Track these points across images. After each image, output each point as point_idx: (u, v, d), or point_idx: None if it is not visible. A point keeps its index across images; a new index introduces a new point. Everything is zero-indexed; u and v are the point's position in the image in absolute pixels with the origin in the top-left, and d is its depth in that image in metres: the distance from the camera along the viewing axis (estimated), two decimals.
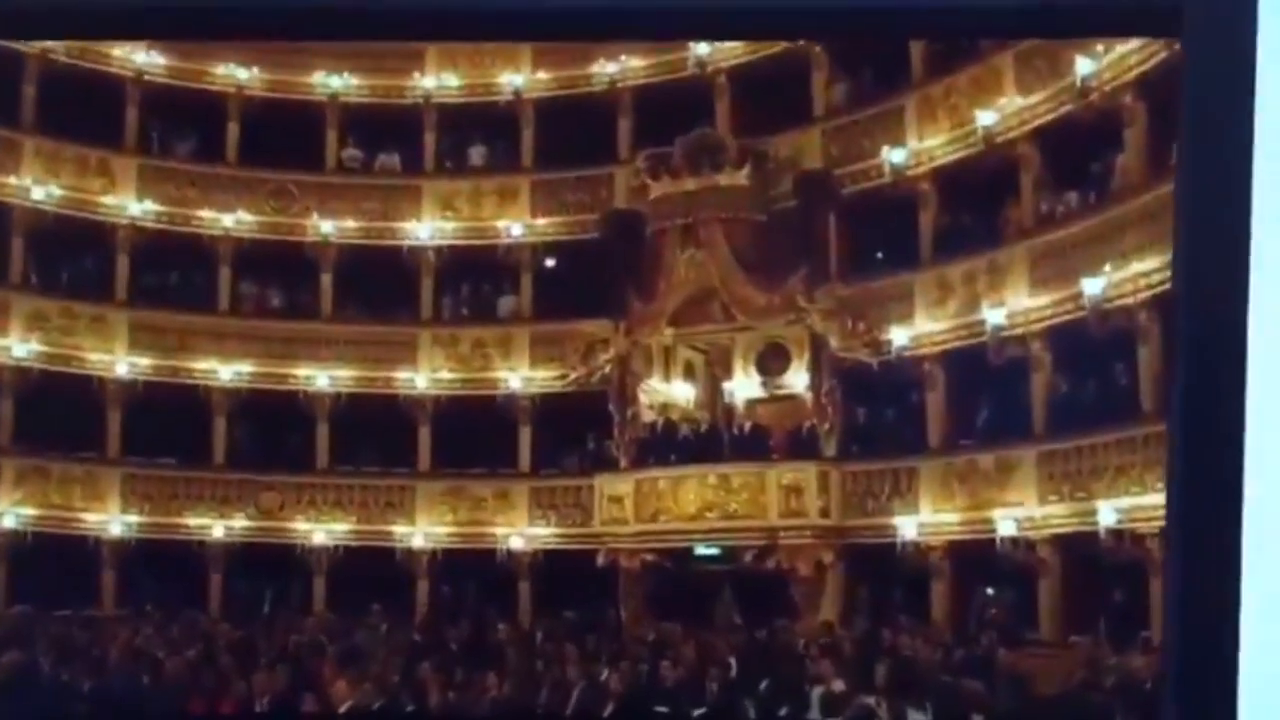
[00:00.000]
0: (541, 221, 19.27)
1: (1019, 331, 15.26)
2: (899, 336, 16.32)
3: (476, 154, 19.94)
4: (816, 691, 11.89)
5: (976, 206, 16.33)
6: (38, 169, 18.62)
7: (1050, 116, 15.08)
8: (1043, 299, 15.04)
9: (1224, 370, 3.14)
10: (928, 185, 16.60)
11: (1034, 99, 15.20)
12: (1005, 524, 14.86)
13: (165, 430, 18.44)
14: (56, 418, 17.89)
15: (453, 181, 19.76)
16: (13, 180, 18.39)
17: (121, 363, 18.64)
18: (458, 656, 13.74)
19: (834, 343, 16.72)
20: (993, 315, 15.41)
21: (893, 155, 16.72)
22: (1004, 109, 15.56)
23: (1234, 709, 3.44)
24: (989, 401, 15.75)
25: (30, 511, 17.73)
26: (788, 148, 17.75)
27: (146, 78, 19.25)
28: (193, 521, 18.37)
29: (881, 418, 16.77)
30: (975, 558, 15.25)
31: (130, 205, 19.12)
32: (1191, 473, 3.10)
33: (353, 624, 15.99)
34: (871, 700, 11.61)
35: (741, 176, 17.59)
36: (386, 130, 19.93)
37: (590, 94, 19.33)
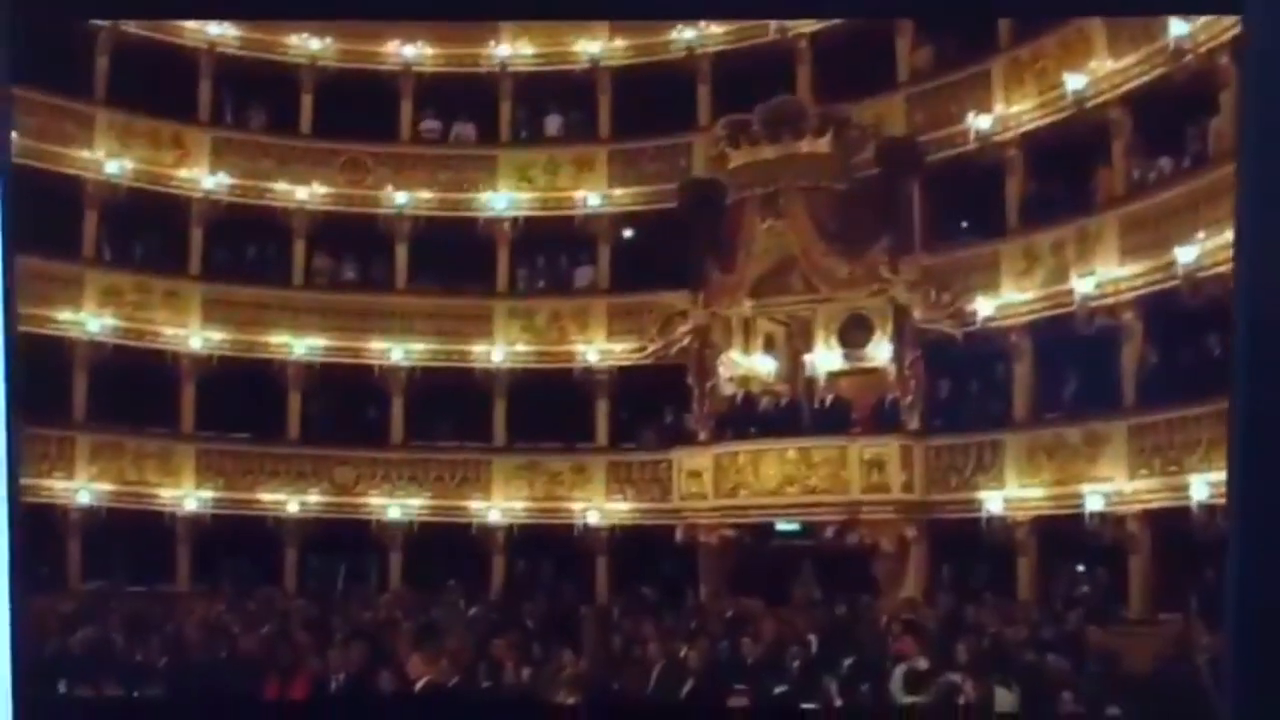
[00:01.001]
0: (619, 192, 19.33)
1: (1109, 301, 15.08)
2: (984, 307, 16.19)
3: (553, 123, 20.00)
4: (900, 669, 11.85)
5: (1065, 173, 16.14)
6: (111, 142, 18.89)
7: (1142, 80, 14.83)
8: (1134, 268, 14.85)
9: None
10: (1015, 152, 16.44)
11: (1125, 62, 14.97)
12: (1094, 499, 14.72)
13: (239, 405, 18.69)
14: (131, 393, 18.18)
15: (529, 151, 19.86)
16: (86, 154, 18.68)
17: (195, 337, 18.92)
18: (534, 633, 13.83)
19: (917, 314, 16.64)
20: (1081, 285, 15.24)
21: (979, 121, 16.57)
22: (1094, 73, 15.34)
23: None
24: (1077, 373, 15.59)
25: (106, 487, 18.08)
26: (870, 114, 17.66)
27: (219, 49, 19.43)
28: (267, 497, 18.65)
29: (966, 390, 16.63)
30: (1062, 534, 15.14)
31: (204, 179, 19.35)
32: (1252, 452, 3.11)
33: (428, 600, 16.16)
34: (956, 678, 11.56)
35: (823, 144, 17.51)
36: (461, 100, 20.04)
37: (668, 61, 19.32)
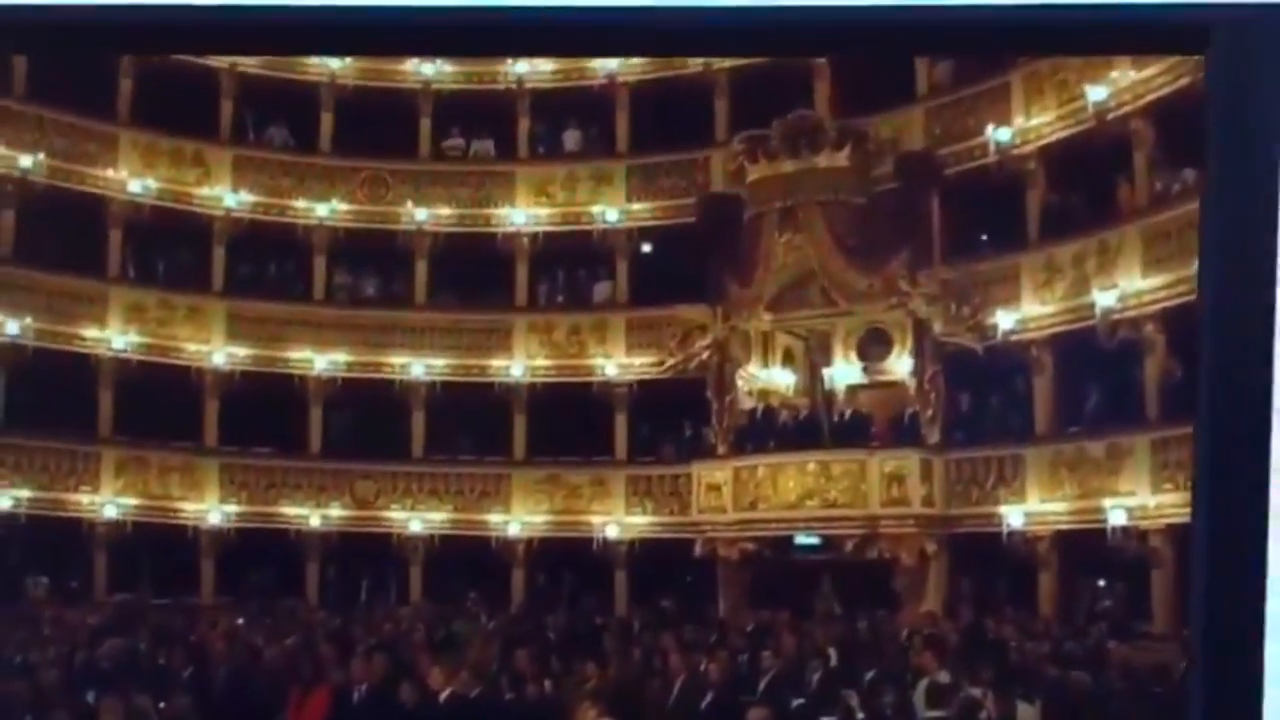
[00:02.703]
0: (637, 206, 19.40)
1: (1131, 314, 15.11)
2: (1005, 320, 16.24)
3: (571, 139, 20.08)
4: (922, 683, 11.89)
5: (1086, 185, 16.17)
6: (134, 162, 19.10)
7: (1166, 90, 14.84)
8: (1156, 280, 14.87)
9: (1249, 373, 3.22)
10: (1035, 164, 16.49)
11: (1149, 72, 14.98)
12: (1116, 513, 14.74)
13: (262, 420, 18.84)
14: (155, 408, 18.35)
15: (547, 167, 19.94)
16: (110, 174, 18.90)
17: (218, 353, 19.07)
18: (555, 645, 13.91)
19: (937, 327, 16.68)
20: (1103, 298, 15.27)
21: (998, 134, 16.63)
22: (1116, 84, 15.37)
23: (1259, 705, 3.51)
24: (1099, 387, 15.61)
25: (130, 501, 18.26)
26: (889, 128, 17.71)
27: (240, 69, 19.58)
28: (289, 511, 18.78)
29: (986, 404, 16.66)
30: (1084, 548, 15.15)
31: (226, 196, 19.53)
32: (1217, 474, 3.19)
33: (449, 612, 16.24)
34: (977, 693, 11.59)
35: (841, 158, 17.56)
36: (479, 116, 20.14)
37: (685, 76, 19.37)
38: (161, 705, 11.25)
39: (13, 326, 17.73)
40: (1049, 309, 16.06)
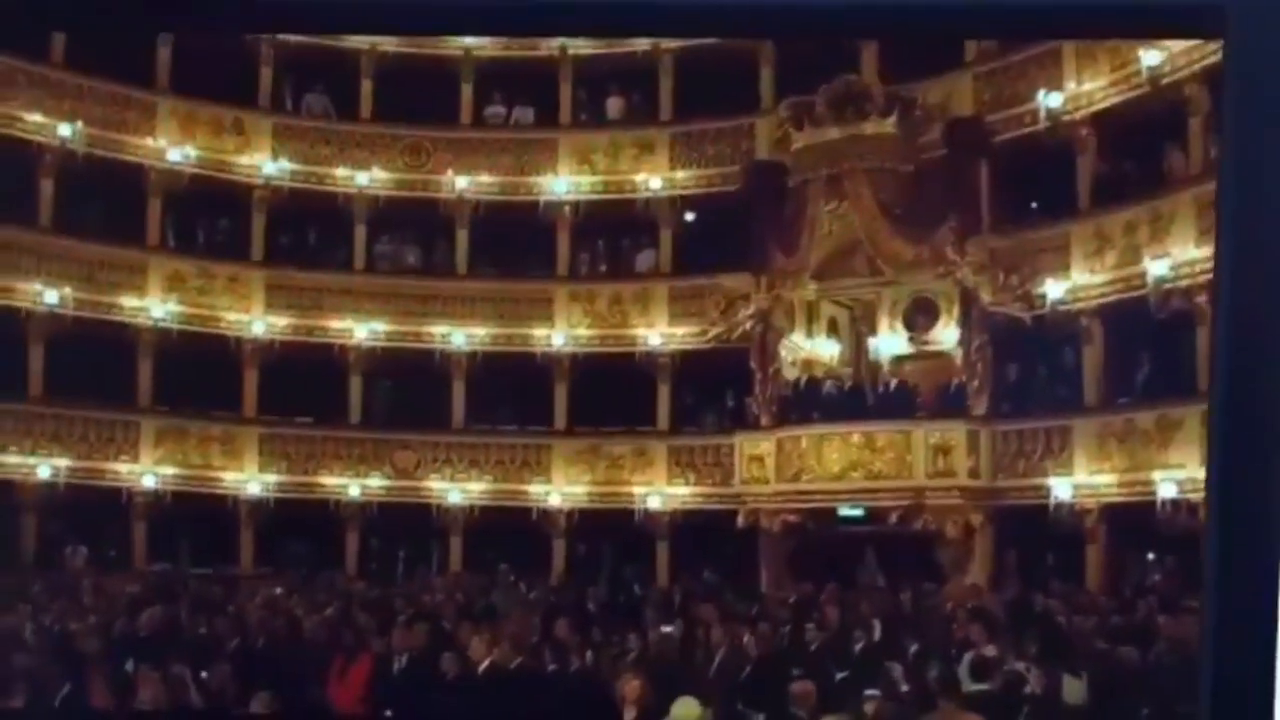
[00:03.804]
0: (681, 174, 19.39)
1: (1184, 284, 14.98)
2: (1054, 290, 16.17)
3: (614, 106, 20.07)
4: (967, 656, 11.88)
5: (1138, 152, 16.03)
6: (174, 130, 19.23)
7: (1221, 55, 14.64)
8: (1209, 249, 14.68)
9: (1265, 354, 3.21)
10: (1086, 130, 16.38)
11: None
12: (1166, 486, 14.66)
13: (301, 390, 18.97)
14: (194, 378, 18.55)
15: (590, 135, 19.94)
16: (149, 142, 19.03)
17: (258, 322, 19.23)
18: (595, 617, 13.98)
19: (985, 297, 16.62)
20: (1155, 267, 15.16)
21: (1049, 100, 16.50)
22: (1170, 48, 15.21)
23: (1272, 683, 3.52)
24: (1150, 357, 15.52)
25: (169, 471, 18.46)
26: (937, 94, 17.61)
27: (280, 36, 19.66)
28: (329, 481, 18.94)
29: (1034, 375, 16.61)
30: (1133, 521, 15.08)
31: (265, 165, 19.64)
32: (1231, 453, 3.19)
33: (489, 583, 16.35)
34: (1022, 666, 11.58)
35: (888, 125, 17.49)
36: (521, 83, 20.15)
37: (730, 42, 19.30)
38: (202, 675, 11.37)
39: (52, 296, 17.93)
40: (1099, 278, 15.97)
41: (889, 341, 17.56)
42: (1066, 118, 16.46)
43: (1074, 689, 11.54)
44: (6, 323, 17.60)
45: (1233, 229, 3.23)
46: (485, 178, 19.79)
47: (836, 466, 16.97)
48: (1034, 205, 17.31)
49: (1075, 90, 16.40)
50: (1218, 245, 3.34)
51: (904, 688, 11.38)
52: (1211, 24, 3.30)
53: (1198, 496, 14.43)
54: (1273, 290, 3.19)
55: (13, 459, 17.56)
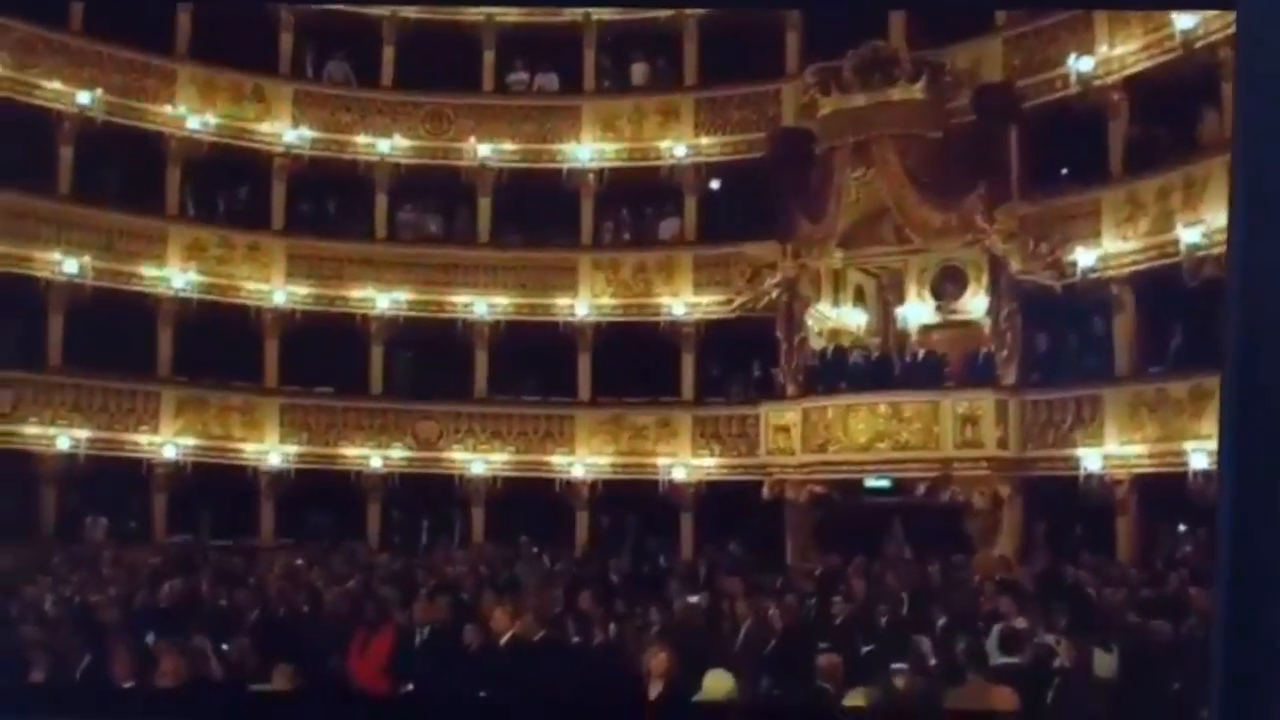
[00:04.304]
0: (706, 141, 19.34)
1: (1216, 251, 14.80)
2: (1084, 257, 16.02)
3: (638, 72, 20.01)
4: (996, 629, 11.80)
5: (1172, 117, 15.85)
6: (193, 98, 19.21)
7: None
8: None
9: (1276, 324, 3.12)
10: (1118, 95, 16.22)
11: None
12: (1198, 457, 14.52)
13: (323, 360, 19.03)
14: (215, 348, 18.58)
15: (613, 101, 19.90)
16: (168, 110, 19.02)
17: (279, 292, 19.25)
18: (619, 589, 13.95)
19: (1014, 265, 16.50)
20: (1188, 234, 14.99)
21: (1080, 64, 16.35)
22: (1204, 11, 15.02)
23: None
24: (1183, 326, 15.37)
25: (190, 442, 18.48)
26: (966, 59, 17.47)
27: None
28: (350, 452, 18.96)
29: (1064, 344, 16.50)
30: (1164, 492, 14.97)
31: (286, 132, 19.63)
32: (1244, 422, 3.11)
33: (512, 555, 16.35)
34: (1052, 639, 11.49)
35: (916, 90, 17.37)
36: (544, 49, 20.09)
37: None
38: (222, 647, 11.37)
39: (72, 265, 17.95)
40: (1131, 246, 15.84)
41: (916, 310, 17.50)
42: (1098, 82, 16.31)
43: (1105, 662, 11.45)
44: (26, 292, 17.63)
45: (1245, 198, 3.15)
46: (508, 145, 19.77)
47: (863, 437, 16.90)
48: (1064, 171, 17.15)
49: (1107, 54, 16.25)
50: (1231, 214, 3.26)
51: (932, 661, 11.29)
52: None
53: None
54: None
55: (33, 430, 17.62)
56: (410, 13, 19.88)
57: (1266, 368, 2.95)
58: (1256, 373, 2.92)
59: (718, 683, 9.84)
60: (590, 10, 19.66)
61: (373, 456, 18.89)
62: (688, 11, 19.31)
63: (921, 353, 17.27)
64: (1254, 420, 2.99)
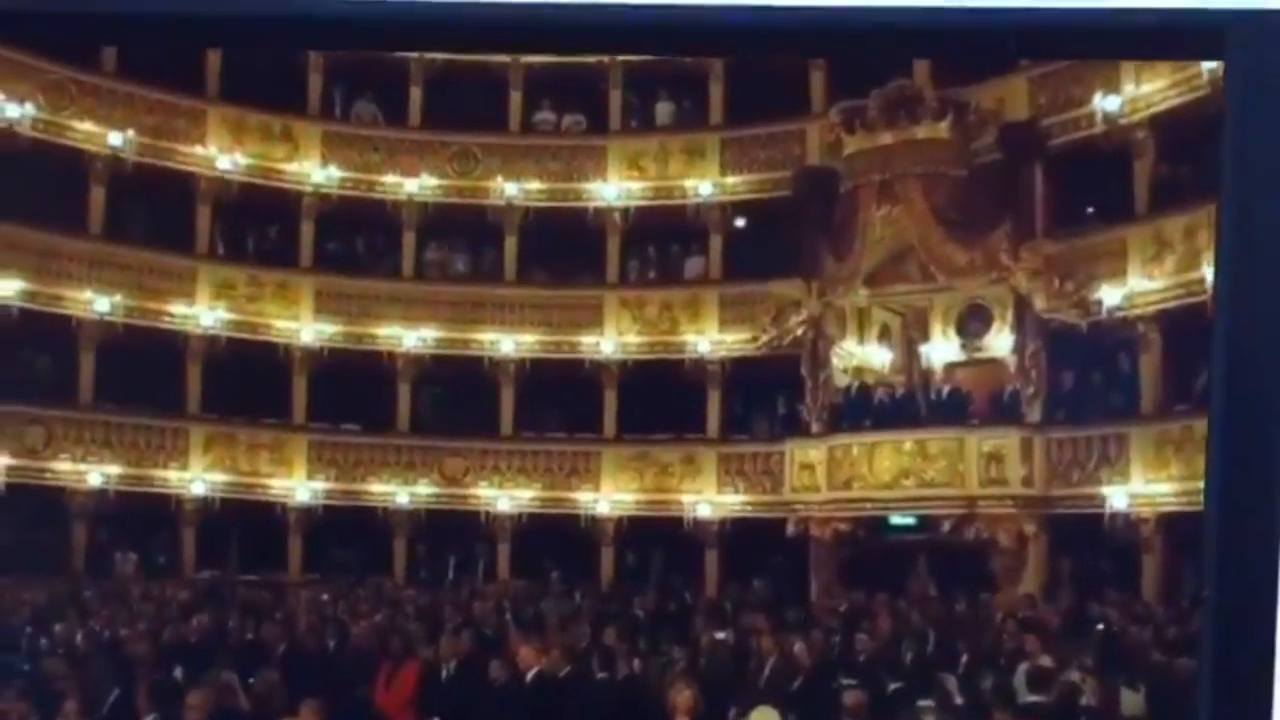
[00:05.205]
0: (731, 180, 19.43)
1: None
2: (1110, 296, 16.07)
3: (663, 111, 20.12)
4: (1023, 667, 11.85)
5: (1198, 155, 15.88)
6: (223, 138, 19.44)
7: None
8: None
9: (1262, 374, 3.24)
10: (1144, 133, 16.26)
11: None
12: None
13: (350, 397, 19.17)
14: (243, 385, 18.74)
15: (639, 140, 20.01)
16: (199, 150, 19.25)
17: (307, 330, 19.40)
18: (644, 625, 14.01)
19: (1039, 303, 16.54)
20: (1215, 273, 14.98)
21: (1106, 102, 16.41)
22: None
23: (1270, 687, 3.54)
24: (1209, 365, 15.33)
25: (219, 478, 18.65)
26: (991, 98, 17.53)
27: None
28: (377, 488, 19.10)
29: (1089, 382, 16.51)
30: (1190, 531, 14.96)
31: (314, 172, 19.82)
32: (1230, 464, 3.22)
33: (538, 591, 16.42)
34: (1077, 677, 11.53)
35: (941, 129, 17.45)
36: (570, 89, 20.23)
37: None
38: (250, 681, 11.48)
39: (103, 304, 18.16)
40: (1157, 284, 15.86)
41: (941, 348, 17.53)
42: (1124, 120, 16.34)
43: (1131, 701, 11.48)
44: (58, 330, 17.86)
45: (1232, 247, 3.29)
46: (534, 184, 19.88)
47: (888, 474, 16.94)
48: (1090, 210, 17.19)
49: (1133, 93, 16.28)
50: (1217, 263, 3.40)
51: (958, 699, 11.34)
52: (1211, 47, 3.35)
53: None
54: (1270, 307, 3.22)
55: (64, 465, 17.81)
56: (438, 54, 20.09)
57: (1251, 405, 3.06)
58: (1242, 410, 3.04)
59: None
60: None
61: (399, 492, 19.00)
62: None
63: (946, 390, 17.31)
64: (1238, 462, 3.10)
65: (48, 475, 17.65)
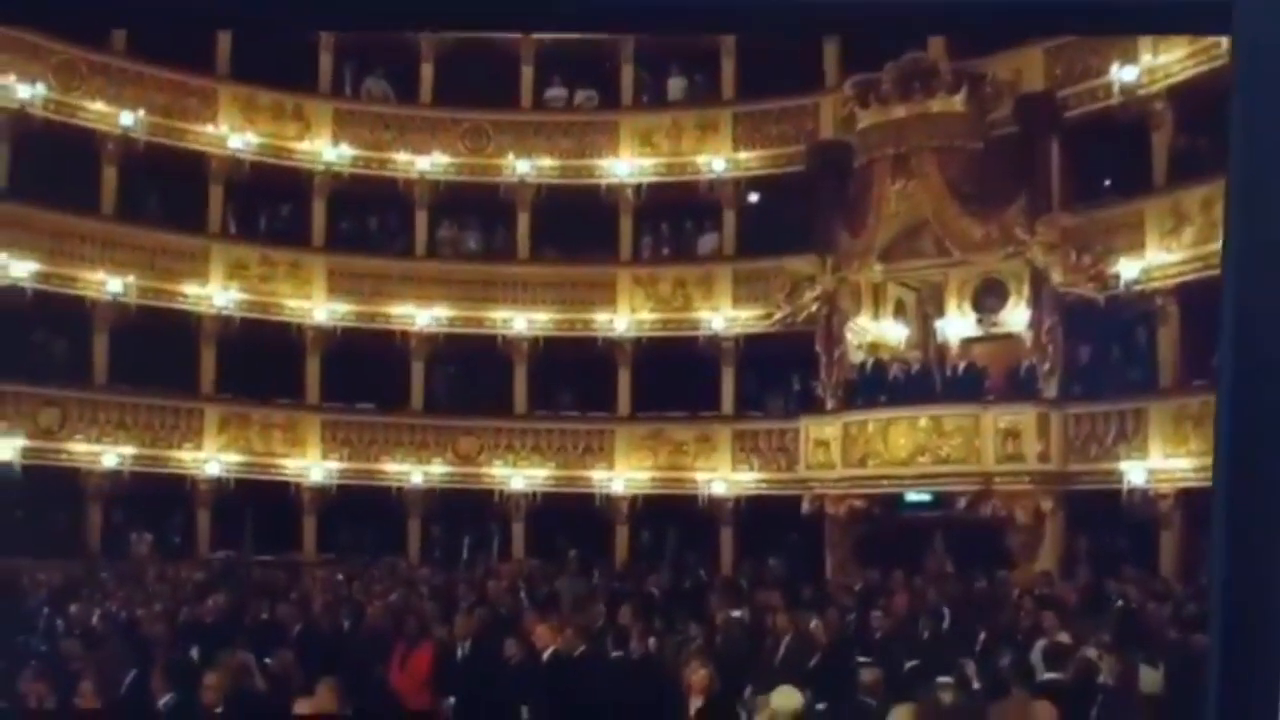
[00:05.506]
0: (744, 155, 19.42)
1: None
2: (1128, 269, 15.97)
3: (675, 87, 20.09)
4: (1040, 644, 11.78)
5: (1217, 126, 15.75)
6: (235, 117, 19.46)
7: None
8: None
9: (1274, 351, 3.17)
10: (1162, 104, 16.18)
11: None
12: None
13: (364, 376, 19.24)
14: (257, 365, 18.78)
15: (651, 116, 20.01)
16: (210, 129, 19.29)
17: (320, 309, 19.45)
18: (659, 603, 13.98)
19: (1056, 277, 16.45)
20: None
21: (1123, 73, 16.30)
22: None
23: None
24: (1217, 338, 15.22)
25: (233, 458, 18.73)
26: (1007, 70, 17.45)
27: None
28: (391, 468, 19.15)
29: (1107, 356, 16.42)
30: (1210, 506, 14.87)
31: (326, 150, 19.83)
32: (1238, 449, 3.15)
33: (552, 569, 16.41)
34: (1094, 654, 11.46)
35: (956, 102, 17.35)
36: (581, 65, 20.20)
37: None
38: (266, 661, 11.48)
39: (116, 285, 18.19)
40: (1175, 257, 15.77)
41: (957, 323, 17.46)
42: (1141, 92, 16.24)
43: (1150, 678, 11.41)
44: (72, 311, 17.89)
45: (1241, 229, 3.21)
46: (546, 161, 19.90)
47: (904, 451, 16.90)
48: (1107, 182, 17.09)
49: (1151, 63, 16.15)
50: (1225, 241, 3.32)
51: (974, 676, 11.28)
52: (1218, 21, 3.27)
53: None
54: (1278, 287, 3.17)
55: (79, 447, 17.88)
56: (448, 31, 20.04)
57: (1261, 387, 3.01)
58: (1251, 392, 2.98)
59: (787, 699, 9.86)
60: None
61: (413, 472, 19.08)
62: None
63: (962, 366, 17.22)
64: (1249, 438, 3.05)
65: (63, 456, 17.74)
